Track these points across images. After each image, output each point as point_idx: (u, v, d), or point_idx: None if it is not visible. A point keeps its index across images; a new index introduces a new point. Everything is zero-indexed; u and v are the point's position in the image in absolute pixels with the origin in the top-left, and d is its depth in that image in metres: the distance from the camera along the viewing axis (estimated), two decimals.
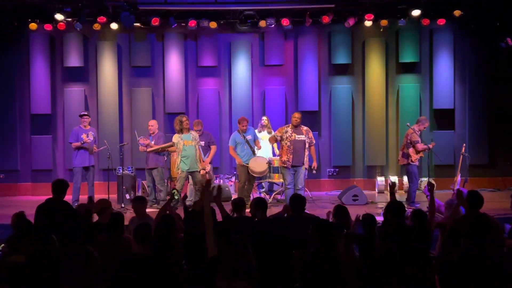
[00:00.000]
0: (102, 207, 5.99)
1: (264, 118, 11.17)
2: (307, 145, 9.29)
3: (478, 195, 5.76)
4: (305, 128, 9.38)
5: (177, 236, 5.30)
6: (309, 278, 3.66)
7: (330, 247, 4.05)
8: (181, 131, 9.64)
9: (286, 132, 9.14)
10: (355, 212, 6.21)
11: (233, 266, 4.01)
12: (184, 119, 9.70)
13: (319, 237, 4.49)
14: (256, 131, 10.89)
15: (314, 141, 9.56)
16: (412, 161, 9.84)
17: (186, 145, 9.57)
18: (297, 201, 5.93)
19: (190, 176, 9.82)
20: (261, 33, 12.47)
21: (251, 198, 10.20)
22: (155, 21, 11.69)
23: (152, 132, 10.51)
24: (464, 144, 10.37)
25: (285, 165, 9.09)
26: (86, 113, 10.56)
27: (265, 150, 10.85)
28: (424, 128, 10.12)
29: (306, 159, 9.36)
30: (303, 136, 9.21)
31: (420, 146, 9.76)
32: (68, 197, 8.11)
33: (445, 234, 5.09)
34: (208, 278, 4.14)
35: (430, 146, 9.80)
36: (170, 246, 4.72)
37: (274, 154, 10.95)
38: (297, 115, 9.42)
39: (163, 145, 10.16)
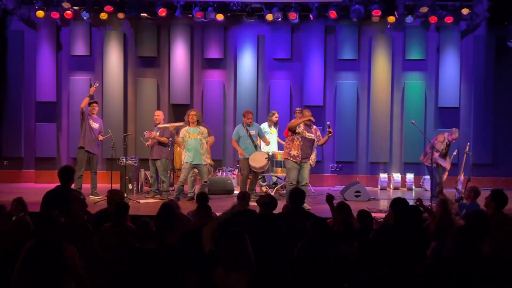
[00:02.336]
0: (114, 198, 6.02)
1: (277, 114, 11.09)
2: (315, 144, 9.24)
3: (504, 194, 5.74)
4: (314, 127, 9.29)
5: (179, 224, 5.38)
6: (296, 273, 3.67)
7: (321, 241, 4.04)
8: (188, 123, 9.67)
9: (299, 127, 9.06)
10: (357, 208, 6.22)
11: (231, 258, 4.02)
12: (192, 112, 9.73)
13: (315, 231, 4.51)
14: (266, 124, 10.86)
15: (320, 139, 9.41)
16: (425, 161, 9.95)
17: (191, 138, 9.58)
18: (296, 195, 5.91)
19: (195, 170, 9.82)
20: (268, 27, 12.44)
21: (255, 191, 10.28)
22: (162, 12, 11.68)
23: (158, 122, 10.50)
24: (469, 143, 10.33)
25: (294, 160, 8.99)
26: (95, 101, 10.56)
27: (273, 145, 10.87)
28: (453, 139, 9.94)
29: (313, 156, 9.27)
30: (313, 135, 9.14)
31: (436, 154, 9.70)
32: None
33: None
34: (206, 270, 4.15)
35: (447, 166, 9.80)
36: (171, 232, 4.79)
37: (280, 148, 10.93)
38: (308, 113, 9.18)
39: (176, 124, 10.18)
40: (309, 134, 9.05)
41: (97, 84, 10.43)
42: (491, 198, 5.72)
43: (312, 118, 9.01)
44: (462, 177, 9.90)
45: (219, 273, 4.07)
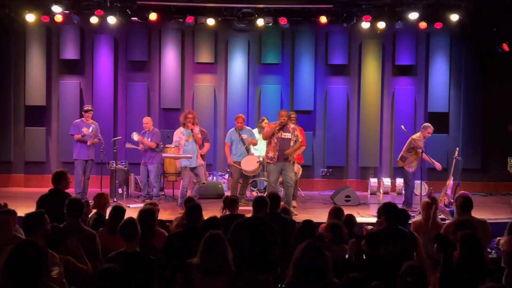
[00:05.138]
0: (105, 202, 6.20)
1: (266, 120, 11.08)
2: (292, 143, 9.14)
3: (468, 199, 5.83)
4: (292, 126, 9.22)
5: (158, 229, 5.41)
6: (297, 274, 3.69)
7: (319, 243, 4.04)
8: (184, 125, 9.39)
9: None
10: (347, 213, 6.24)
11: (210, 263, 3.97)
12: (190, 115, 9.35)
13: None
14: (256, 130, 10.86)
15: (300, 139, 9.20)
16: (407, 166, 9.78)
17: (188, 140, 9.33)
18: (272, 199, 5.89)
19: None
20: (259, 31, 12.46)
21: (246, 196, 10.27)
22: (153, 16, 11.65)
23: (147, 129, 10.49)
24: (458, 148, 10.37)
25: (271, 162, 9.01)
26: (90, 108, 10.47)
27: (263, 150, 10.84)
28: (429, 134, 9.80)
29: (291, 157, 9.21)
30: (289, 134, 9.09)
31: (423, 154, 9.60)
32: (70, 190, 8.13)
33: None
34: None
35: (436, 164, 9.65)
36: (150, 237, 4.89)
37: None
38: (283, 113, 9.16)
39: (178, 156, 9.57)
40: (285, 134, 9.02)
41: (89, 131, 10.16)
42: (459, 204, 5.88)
43: (283, 119, 8.99)
44: (451, 182, 9.94)
45: (196, 277, 4.03)
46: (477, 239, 4.41)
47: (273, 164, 8.96)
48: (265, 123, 10.91)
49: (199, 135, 9.42)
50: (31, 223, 4.50)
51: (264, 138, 9.21)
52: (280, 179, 9.23)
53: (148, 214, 5.26)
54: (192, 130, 9.23)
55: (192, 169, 9.37)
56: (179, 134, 9.39)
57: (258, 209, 5.47)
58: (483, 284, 3.59)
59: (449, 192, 9.58)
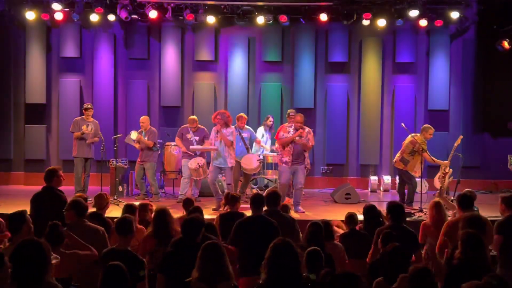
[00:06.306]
0: (105, 203, 6.27)
1: (271, 118, 11.06)
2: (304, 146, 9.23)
3: (469, 196, 5.82)
4: (306, 129, 9.27)
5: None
6: (269, 270, 3.73)
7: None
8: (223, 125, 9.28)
9: (289, 132, 9.09)
10: (347, 210, 6.25)
11: (209, 271, 3.97)
12: (218, 117, 9.21)
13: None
14: (262, 128, 10.86)
15: (309, 143, 9.21)
16: (408, 170, 9.67)
17: (218, 140, 9.22)
18: (272, 196, 5.87)
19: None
20: (259, 29, 12.44)
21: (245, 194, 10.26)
22: (153, 14, 11.64)
23: (144, 128, 10.47)
24: (461, 136, 10.12)
25: (286, 165, 9.05)
26: (90, 106, 10.45)
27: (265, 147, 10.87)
28: (430, 136, 9.68)
29: (307, 160, 9.35)
30: (303, 138, 9.15)
31: (427, 156, 9.43)
32: (70, 188, 8.14)
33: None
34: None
35: (442, 164, 9.45)
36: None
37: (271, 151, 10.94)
38: (300, 119, 9.08)
39: (205, 148, 9.66)
40: (299, 138, 9.07)
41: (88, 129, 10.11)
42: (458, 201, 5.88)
43: (300, 125, 9.01)
44: (451, 178, 9.88)
45: (195, 285, 4.00)
46: (479, 238, 4.39)
47: (288, 167, 9.00)
48: (270, 121, 10.92)
49: (230, 137, 9.27)
50: (16, 222, 4.70)
51: (282, 144, 9.13)
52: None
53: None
54: (218, 130, 9.19)
55: (221, 168, 9.34)
56: (214, 133, 9.38)
57: (257, 207, 5.48)
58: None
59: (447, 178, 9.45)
